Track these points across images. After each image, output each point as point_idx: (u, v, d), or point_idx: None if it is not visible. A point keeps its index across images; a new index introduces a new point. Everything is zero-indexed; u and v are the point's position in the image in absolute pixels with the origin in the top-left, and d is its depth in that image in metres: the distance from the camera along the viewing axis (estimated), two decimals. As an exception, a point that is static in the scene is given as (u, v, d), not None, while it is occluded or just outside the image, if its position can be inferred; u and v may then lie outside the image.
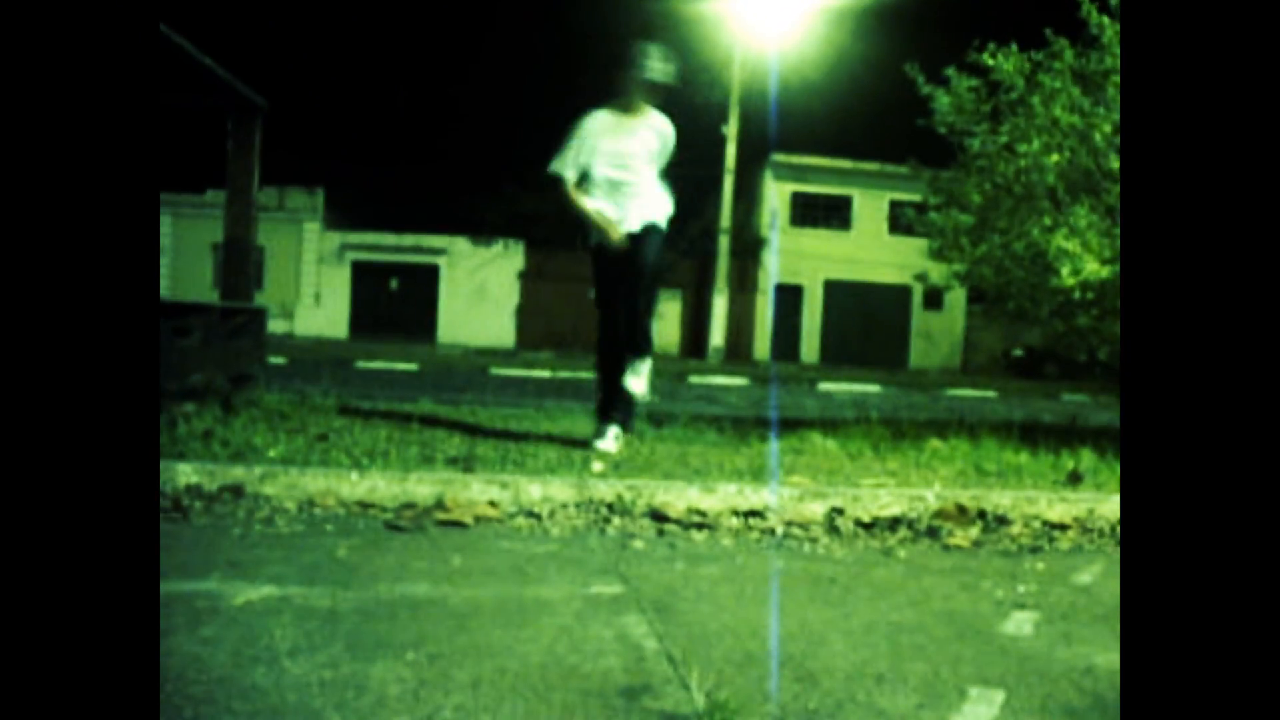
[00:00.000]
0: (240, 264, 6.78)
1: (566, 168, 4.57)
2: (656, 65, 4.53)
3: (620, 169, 4.58)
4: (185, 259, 30.87)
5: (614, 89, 4.61)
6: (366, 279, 32.76)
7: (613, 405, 4.66)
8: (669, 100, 4.70)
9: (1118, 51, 5.81)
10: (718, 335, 26.76)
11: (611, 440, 4.52)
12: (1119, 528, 3.62)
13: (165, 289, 28.81)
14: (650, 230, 4.63)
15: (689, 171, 24.99)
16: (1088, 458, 4.84)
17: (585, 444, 4.50)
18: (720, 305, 27.01)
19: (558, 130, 4.64)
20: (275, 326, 28.95)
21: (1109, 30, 5.93)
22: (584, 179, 4.60)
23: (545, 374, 17.93)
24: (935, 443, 5.22)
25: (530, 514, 3.33)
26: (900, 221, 31.13)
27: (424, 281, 32.85)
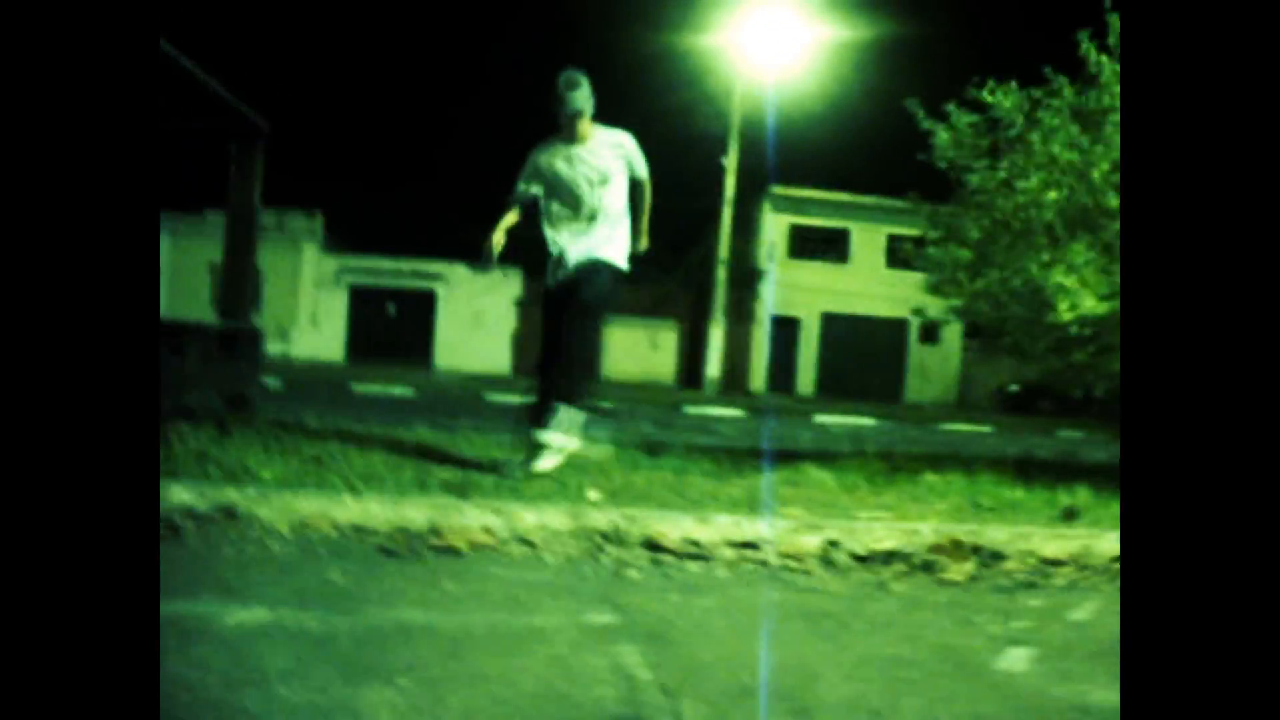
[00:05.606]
0: (238, 285, 6.79)
1: (515, 195, 4.58)
2: (579, 96, 4.38)
3: (570, 198, 4.54)
4: (183, 278, 30.88)
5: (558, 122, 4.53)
6: (364, 303, 32.80)
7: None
8: (672, 134, 4.72)
9: (1116, 90, 5.85)
10: (714, 366, 26.74)
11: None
12: (1115, 564, 3.61)
13: (162, 307, 28.78)
14: (592, 268, 4.52)
15: (688, 203, 25.08)
16: (1083, 494, 4.83)
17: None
18: (717, 336, 27.03)
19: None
20: (272, 348, 28.92)
21: (1107, 69, 5.98)
22: (535, 208, 4.58)
23: (541, 401, 17.87)
24: (931, 477, 5.21)
25: (525, 541, 3.32)
26: (898, 255, 31.21)
27: (421, 306, 32.89)
